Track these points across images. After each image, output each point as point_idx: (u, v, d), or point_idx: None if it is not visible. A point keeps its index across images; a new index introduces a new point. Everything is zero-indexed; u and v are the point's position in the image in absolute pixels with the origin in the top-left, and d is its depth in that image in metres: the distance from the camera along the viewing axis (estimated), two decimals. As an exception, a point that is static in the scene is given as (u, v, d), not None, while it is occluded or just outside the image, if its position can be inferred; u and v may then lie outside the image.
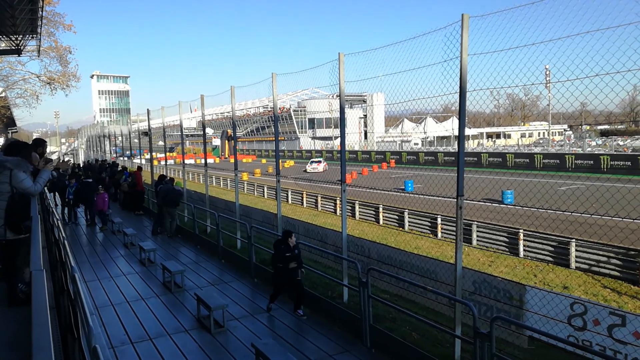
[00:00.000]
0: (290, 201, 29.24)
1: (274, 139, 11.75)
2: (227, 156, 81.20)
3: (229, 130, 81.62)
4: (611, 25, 5.05)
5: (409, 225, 20.14)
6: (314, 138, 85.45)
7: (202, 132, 17.92)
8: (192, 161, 64.19)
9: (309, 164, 47.17)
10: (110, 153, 39.46)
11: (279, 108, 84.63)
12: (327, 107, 77.03)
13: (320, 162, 47.00)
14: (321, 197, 26.66)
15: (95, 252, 13.70)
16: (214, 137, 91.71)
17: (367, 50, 8.21)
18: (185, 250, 13.78)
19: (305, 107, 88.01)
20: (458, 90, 6.43)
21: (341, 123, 8.93)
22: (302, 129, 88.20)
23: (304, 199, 28.23)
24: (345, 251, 9.05)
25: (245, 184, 36.30)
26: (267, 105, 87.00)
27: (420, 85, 7.34)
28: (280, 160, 11.60)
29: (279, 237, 8.93)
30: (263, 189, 33.28)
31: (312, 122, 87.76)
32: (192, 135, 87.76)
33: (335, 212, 24.17)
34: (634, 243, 12.86)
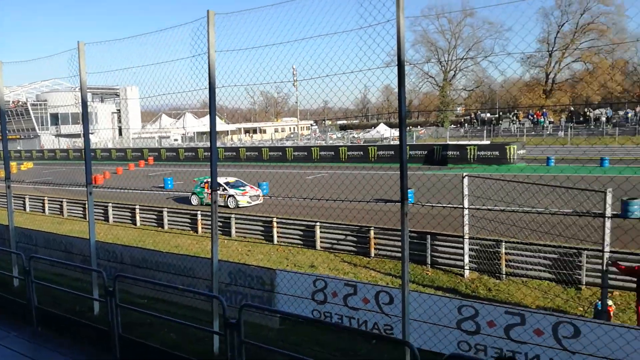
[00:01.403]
0: (28, 209, 25.25)
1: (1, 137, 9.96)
2: None
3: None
4: (346, 29, 5.73)
5: (169, 224, 19.59)
6: (58, 136, 75.29)
7: None
8: None
9: (244, 194, 22.45)
10: None
11: (13, 101, 72.25)
12: (73, 101, 68.67)
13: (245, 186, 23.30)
14: (67, 202, 23.74)
15: None
16: None
17: (112, 40, 7.69)
18: None
19: (46, 100, 76.68)
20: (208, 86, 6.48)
21: (84, 117, 8.05)
22: (43, 125, 76.76)
23: (46, 205, 24.73)
24: (94, 260, 8.24)
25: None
26: (-5, 97, 72.91)
27: (175, 80, 7.25)
28: (15, 163, 9.86)
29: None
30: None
31: (55, 117, 77.11)
32: None
33: (85, 217, 21.85)
34: (360, 221, 15.04)
